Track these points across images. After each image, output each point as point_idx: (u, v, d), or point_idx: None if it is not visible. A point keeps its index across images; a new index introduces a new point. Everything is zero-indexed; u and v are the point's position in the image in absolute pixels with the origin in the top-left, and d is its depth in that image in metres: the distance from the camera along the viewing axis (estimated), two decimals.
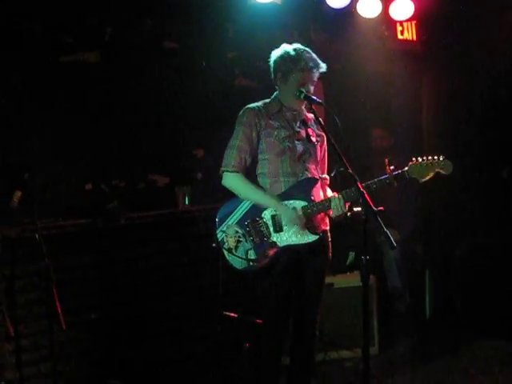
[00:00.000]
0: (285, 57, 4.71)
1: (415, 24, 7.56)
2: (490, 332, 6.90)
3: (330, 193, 4.92)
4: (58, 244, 5.59)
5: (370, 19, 7.06)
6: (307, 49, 4.75)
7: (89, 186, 6.36)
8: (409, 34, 7.59)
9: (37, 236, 5.06)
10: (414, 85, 7.95)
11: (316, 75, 4.72)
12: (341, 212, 4.61)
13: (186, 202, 6.58)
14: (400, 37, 7.56)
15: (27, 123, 5.81)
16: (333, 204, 4.60)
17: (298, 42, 4.80)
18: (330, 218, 4.85)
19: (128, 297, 6.02)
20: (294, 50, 4.71)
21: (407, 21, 7.42)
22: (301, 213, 4.60)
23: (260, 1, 6.44)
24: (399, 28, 7.53)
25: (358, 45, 7.26)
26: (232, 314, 5.15)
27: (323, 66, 4.73)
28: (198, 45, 6.74)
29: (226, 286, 4.95)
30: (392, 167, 4.59)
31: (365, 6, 6.97)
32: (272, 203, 4.64)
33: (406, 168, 4.59)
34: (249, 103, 4.87)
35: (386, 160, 4.64)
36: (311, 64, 4.66)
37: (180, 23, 6.64)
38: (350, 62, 7.51)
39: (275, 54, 4.79)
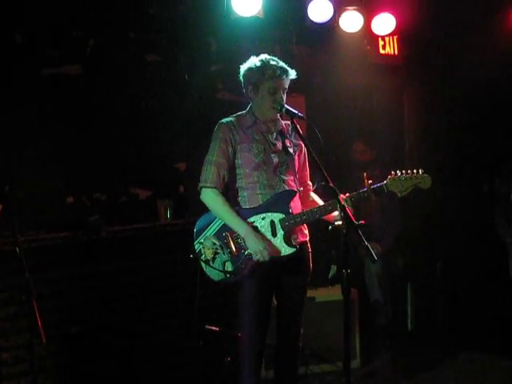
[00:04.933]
0: (252, 68, 4.71)
1: (397, 38, 7.60)
2: (472, 345, 6.93)
3: (316, 198, 4.93)
4: (39, 257, 5.57)
5: (352, 33, 7.09)
6: (274, 58, 4.74)
7: (70, 199, 6.33)
8: (390, 48, 7.62)
9: (17, 249, 5.03)
10: (396, 99, 7.99)
11: (286, 82, 4.70)
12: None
13: (168, 216, 6.58)
14: (382, 51, 7.60)
15: (7, 136, 5.78)
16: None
17: (276, 55, 4.81)
18: (310, 229, 4.85)
19: (109, 310, 6.00)
20: (260, 60, 4.70)
21: (389, 35, 7.46)
22: (265, 248, 4.56)
23: (243, 15, 6.45)
24: (381, 42, 7.56)
25: (340, 59, 7.29)
26: (214, 328, 5.16)
27: (292, 73, 4.72)
28: (181, 58, 6.74)
29: (208, 299, 4.95)
30: (370, 181, 4.62)
31: (347, 20, 7.00)
32: (241, 230, 4.63)
33: (385, 182, 4.62)
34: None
35: (365, 174, 4.66)
36: (279, 71, 4.65)
37: (163, 36, 6.65)
38: (331, 76, 7.55)
39: (243, 67, 4.79)
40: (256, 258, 4.56)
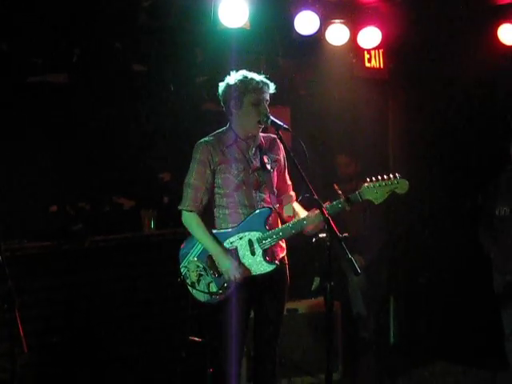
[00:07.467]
0: (233, 83, 4.73)
1: (382, 52, 7.62)
2: (455, 358, 6.93)
3: (298, 208, 4.90)
4: (22, 266, 5.54)
5: (338, 47, 7.08)
6: (252, 72, 4.77)
7: (54, 208, 6.32)
8: (376, 61, 7.64)
9: (0, 258, 5.01)
10: (381, 112, 8.01)
11: (267, 95, 4.73)
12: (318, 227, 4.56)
13: (152, 226, 6.57)
14: (367, 64, 7.61)
15: None
16: (311, 220, 4.59)
17: (262, 67, 4.86)
18: (287, 242, 4.87)
19: (91, 320, 5.98)
20: (241, 75, 4.73)
21: (375, 49, 7.47)
22: (239, 270, 4.63)
23: (229, 26, 6.45)
24: (367, 56, 7.57)
25: (326, 72, 7.30)
26: (197, 339, 5.16)
27: (272, 87, 4.76)
28: (167, 69, 6.74)
29: (192, 311, 4.96)
30: (340, 192, 4.55)
31: (333, 33, 7.00)
32: (213, 250, 4.69)
33: (359, 190, 4.55)
34: (217, 128, 4.89)
35: (335, 185, 4.59)
36: (261, 84, 4.69)
37: (149, 47, 6.64)
38: (317, 89, 7.57)
39: (222, 85, 4.82)
40: (226, 276, 4.64)
